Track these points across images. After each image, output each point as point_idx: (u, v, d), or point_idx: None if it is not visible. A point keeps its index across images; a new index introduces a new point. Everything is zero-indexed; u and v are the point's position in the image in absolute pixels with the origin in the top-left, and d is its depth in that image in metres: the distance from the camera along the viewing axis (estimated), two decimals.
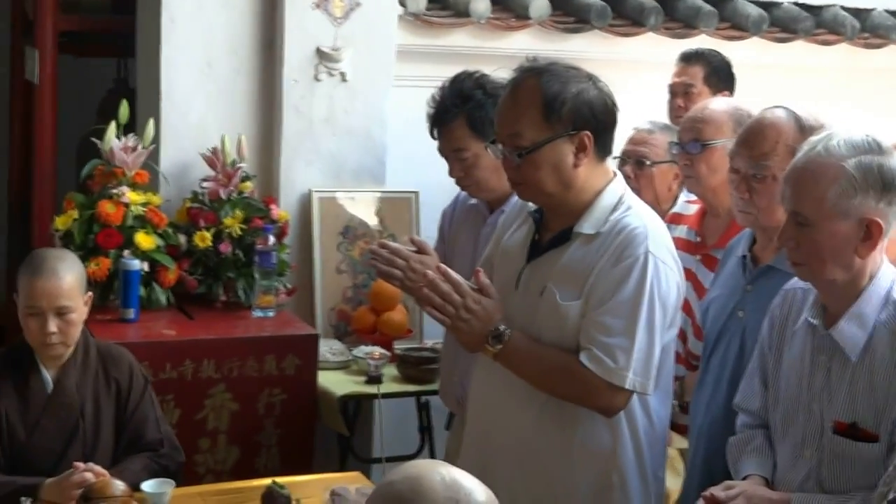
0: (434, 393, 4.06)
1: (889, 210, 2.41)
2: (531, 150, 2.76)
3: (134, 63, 4.88)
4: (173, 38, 4.37)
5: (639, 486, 2.85)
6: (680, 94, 4.66)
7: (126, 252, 4.04)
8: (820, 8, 5.73)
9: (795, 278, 2.64)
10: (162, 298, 4.13)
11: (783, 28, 5.59)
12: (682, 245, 3.52)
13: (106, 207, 4.07)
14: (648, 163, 3.94)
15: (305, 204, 4.54)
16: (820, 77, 5.59)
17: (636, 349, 2.72)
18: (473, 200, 3.64)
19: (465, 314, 2.79)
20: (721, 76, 4.66)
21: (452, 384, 3.56)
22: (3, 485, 3.03)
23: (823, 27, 5.69)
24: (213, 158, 4.31)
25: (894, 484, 1.78)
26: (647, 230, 2.77)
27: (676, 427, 3.38)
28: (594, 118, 2.78)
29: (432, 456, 4.44)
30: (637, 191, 3.12)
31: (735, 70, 4.75)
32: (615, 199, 2.84)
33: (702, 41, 5.20)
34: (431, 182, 4.40)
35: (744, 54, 5.18)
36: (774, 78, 5.33)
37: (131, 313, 3.99)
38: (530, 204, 2.95)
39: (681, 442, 3.38)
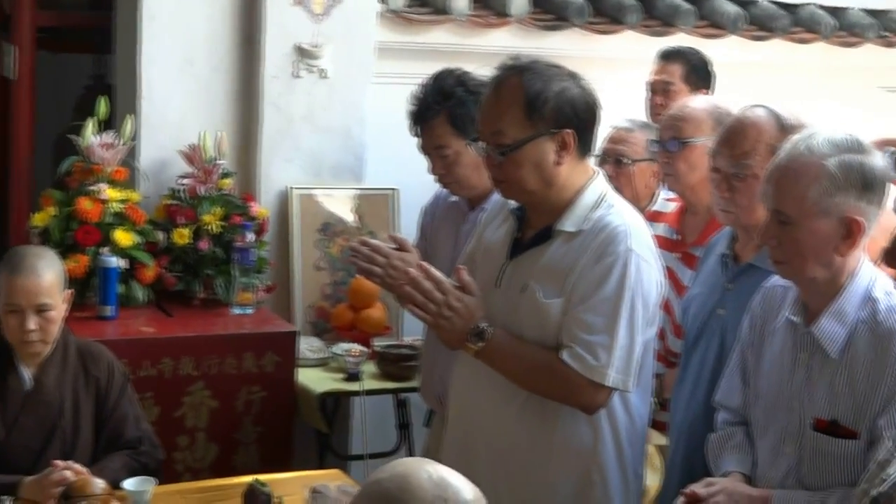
0: (413, 390, 4.07)
1: (869, 208, 2.42)
2: (513, 149, 2.77)
3: (112, 59, 4.86)
4: (152, 35, 4.35)
5: (619, 482, 2.87)
6: (659, 91, 4.67)
7: (104, 249, 4.02)
8: (797, 6, 5.76)
9: (776, 276, 2.66)
10: (140, 296, 4.12)
11: (760, 26, 5.61)
12: (662, 243, 3.52)
13: (84, 204, 4.05)
14: (628, 161, 3.96)
15: (284, 201, 4.53)
16: (797, 75, 5.61)
17: (617, 346, 2.73)
18: (454, 198, 3.64)
19: (446, 312, 2.80)
20: (700, 74, 4.67)
21: (433, 381, 3.56)
22: None
23: (800, 25, 5.72)
24: (192, 155, 4.29)
25: (876, 481, 1.79)
26: (628, 228, 2.79)
27: (655, 424, 3.39)
28: (576, 116, 2.79)
29: (410, 453, 4.45)
30: (616, 189, 3.12)
31: (713, 68, 4.77)
32: (596, 196, 2.85)
33: (680, 39, 5.22)
34: (411, 179, 4.40)
35: (722, 52, 5.19)
36: (752, 76, 5.35)
37: (110, 310, 3.97)
38: (511, 201, 2.95)
39: (659, 439, 3.39)
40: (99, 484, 2.88)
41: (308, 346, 4.24)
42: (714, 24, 5.49)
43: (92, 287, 4.01)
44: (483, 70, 3.28)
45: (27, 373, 3.20)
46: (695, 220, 3.67)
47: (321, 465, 4.12)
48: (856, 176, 2.40)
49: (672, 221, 3.77)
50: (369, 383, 4.08)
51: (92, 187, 4.10)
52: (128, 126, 4.21)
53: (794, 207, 2.42)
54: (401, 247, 3.33)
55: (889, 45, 5.93)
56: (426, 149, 3.55)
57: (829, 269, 2.45)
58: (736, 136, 2.95)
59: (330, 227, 4.58)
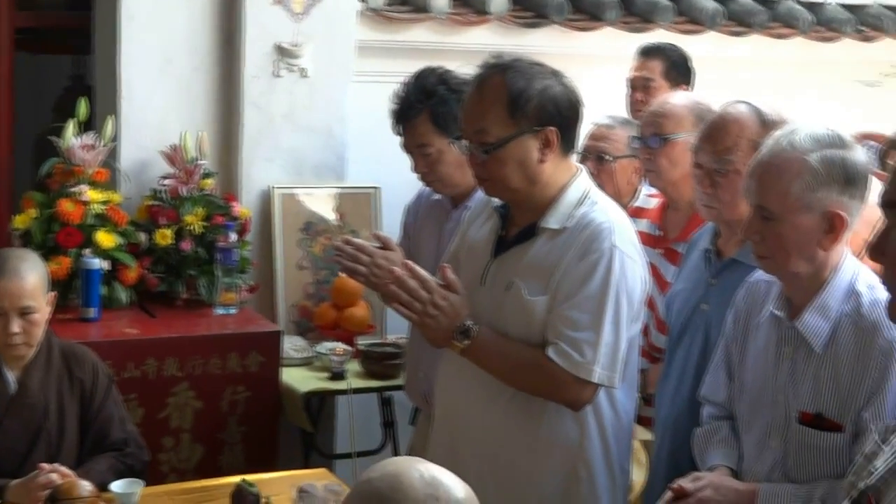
0: (398, 388, 4.07)
1: (852, 203, 2.44)
2: (497, 147, 2.78)
3: (91, 60, 4.84)
4: (131, 35, 4.34)
5: (605, 478, 2.88)
6: (639, 88, 4.69)
7: (86, 251, 4.01)
8: (774, 2, 5.79)
9: (759, 271, 2.67)
10: (123, 297, 4.11)
11: (739, 22, 5.64)
12: (644, 239, 3.53)
13: (66, 206, 4.04)
14: (609, 158, 3.97)
15: (266, 200, 4.53)
16: (775, 70, 5.64)
17: (603, 343, 2.74)
18: (437, 196, 3.64)
19: (432, 310, 2.81)
20: (680, 70, 4.69)
21: (418, 379, 3.57)
22: None
23: (778, 21, 5.74)
24: (174, 156, 4.29)
25: (863, 473, 1.80)
26: (612, 225, 2.80)
27: (639, 419, 3.40)
28: (559, 114, 2.80)
29: (396, 451, 4.45)
30: (599, 186, 3.13)
31: (692, 64, 4.79)
32: (580, 193, 2.86)
33: (659, 35, 5.24)
34: (392, 177, 4.41)
35: (700, 48, 5.20)
36: (731, 71, 5.37)
37: (93, 312, 3.97)
38: (495, 199, 2.96)
39: (644, 434, 3.41)
40: (86, 486, 2.87)
41: (292, 345, 4.24)
42: (693, 21, 5.51)
43: (74, 289, 4.00)
44: (465, 68, 3.30)
45: (11, 376, 3.19)
46: (677, 216, 3.69)
47: (306, 465, 4.12)
48: (838, 171, 2.42)
49: (654, 217, 3.78)
50: (353, 382, 4.08)
51: (73, 189, 4.09)
52: (108, 127, 4.20)
53: (777, 203, 2.44)
54: (385, 245, 3.34)
55: (866, 39, 5.96)
56: (409, 147, 3.55)
57: (812, 264, 2.47)
58: (718, 132, 2.96)
59: (312, 227, 4.58)
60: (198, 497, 3.13)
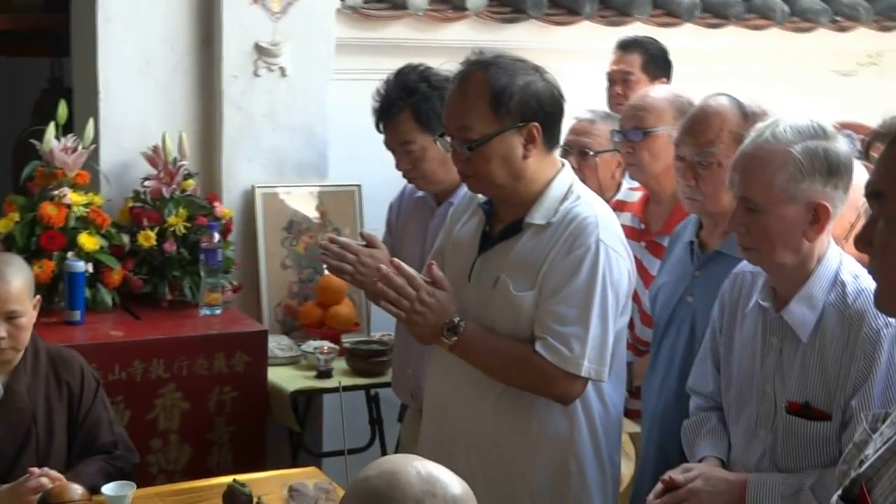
0: (385, 385, 4.08)
1: (835, 193, 2.46)
2: (481, 143, 2.79)
3: (69, 62, 4.82)
4: (109, 37, 4.32)
5: (596, 471, 2.90)
6: (618, 81, 4.70)
7: (70, 254, 4.00)
8: None
9: (744, 262, 2.69)
10: (107, 299, 4.10)
11: (715, 14, 5.66)
12: (627, 232, 3.53)
13: (48, 209, 4.03)
14: (592, 153, 3.99)
15: (248, 200, 4.52)
16: (752, 61, 5.67)
17: (590, 337, 2.76)
18: (420, 193, 3.65)
19: (419, 307, 2.82)
20: (658, 63, 4.71)
21: (405, 376, 3.58)
22: None
23: (754, 12, 5.77)
24: (155, 157, 4.28)
25: (854, 462, 1.81)
26: (597, 219, 2.81)
27: (627, 412, 3.42)
28: (542, 110, 2.82)
29: (383, 448, 4.46)
30: (582, 181, 3.15)
31: (670, 56, 4.81)
32: (564, 188, 2.87)
33: (636, 28, 5.25)
34: (374, 175, 4.42)
35: (678, 40, 5.23)
36: (708, 63, 5.40)
37: (77, 315, 3.95)
38: (480, 196, 2.97)
39: (631, 426, 3.43)
40: (77, 490, 2.86)
41: (277, 344, 4.24)
42: (669, 13, 5.53)
43: (58, 292, 3.99)
44: (447, 65, 3.31)
45: None
46: (659, 209, 3.71)
47: (294, 464, 4.13)
48: (821, 162, 2.44)
49: (636, 210, 3.80)
50: (341, 380, 4.07)
51: (55, 192, 4.07)
52: (88, 129, 4.18)
53: (762, 194, 2.46)
54: (370, 243, 3.35)
55: (841, 29, 6.00)
56: (391, 145, 3.56)
57: (797, 255, 2.49)
58: (699, 124, 2.98)
59: (295, 225, 4.58)
60: (189, 498, 3.13)
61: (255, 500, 2.93)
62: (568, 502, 2.88)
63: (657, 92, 3.76)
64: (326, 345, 4.19)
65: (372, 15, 4.87)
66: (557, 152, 2.96)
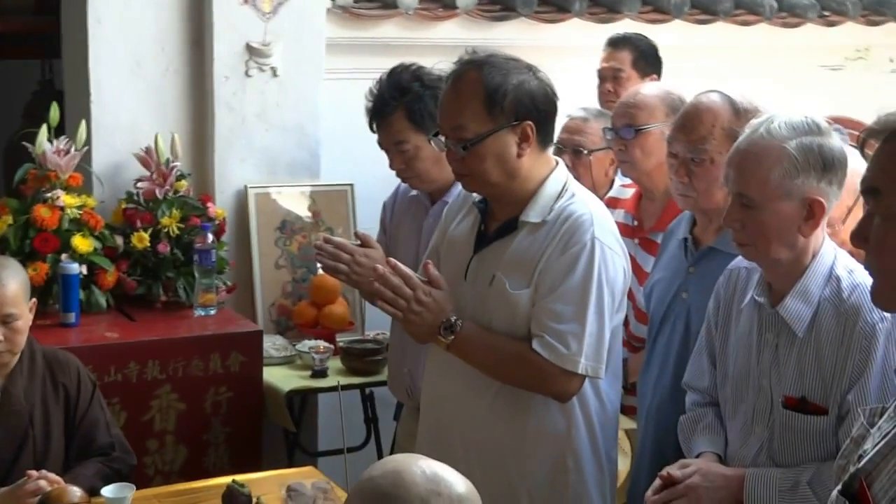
0: (380, 384, 4.09)
1: (830, 189, 2.48)
2: (475, 143, 2.80)
3: (59, 64, 4.82)
4: (100, 39, 4.32)
5: (593, 467, 2.91)
6: (609, 78, 4.71)
7: (63, 256, 4.00)
8: None
9: (739, 258, 2.71)
10: (102, 301, 4.10)
11: (704, 10, 5.68)
12: (620, 229, 3.52)
13: (41, 212, 4.02)
14: (585, 151, 4.00)
15: (241, 200, 4.52)
16: (741, 57, 5.69)
17: (587, 334, 2.77)
18: (414, 192, 3.66)
19: (416, 307, 2.83)
20: (649, 60, 4.72)
21: (401, 375, 3.58)
22: None
23: (742, 8, 5.79)
24: (147, 158, 4.27)
25: (853, 457, 1.83)
26: (592, 216, 2.83)
27: (622, 408, 3.43)
28: (535, 108, 2.83)
29: (379, 447, 4.47)
30: (575, 179, 3.16)
31: (660, 53, 4.82)
32: (559, 186, 2.88)
33: (626, 25, 5.27)
34: (366, 174, 4.44)
35: (667, 37, 5.23)
36: (697, 59, 5.42)
37: (72, 317, 3.95)
38: (474, 194, 2.98)
39: (627, 423, 3.44)
40: (76, 492, 2.87)
41: (272, 344, 4.24)
42: (658, 10, 5.54)
43: (52, 294, 3.98)
44: (440, 64, 3.33)
45: None
46: (652, 206, 3.72)
47: (290, 463, 4.15)
48: (815, 157, 2.46)
49: (629, 207, 3.81)
50: (335, 379, 4.08)
51: (48, 194, 4.07)
52: (81, 131, 4.18)
53: (757, 190, 2.47)
54: (364, 243, 3.36)
55: (829, 24, 6.02)
56: (385, 145, 3.56)
57: (793, 250, 2.51)
58: (692, 121, 2.99)
59: (288, 225, 4.58)
60: (188, 499, 3.13)
61: (254, 500, 2.93)
62: (566, 499, 2.89)
63: (648, 89, 3.77)
64: (321, 344, 4.20)
65: (362, 14, 4.88)
66: (551, 150, 2.97)
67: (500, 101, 2.78)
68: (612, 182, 4.04)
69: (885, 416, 1.85)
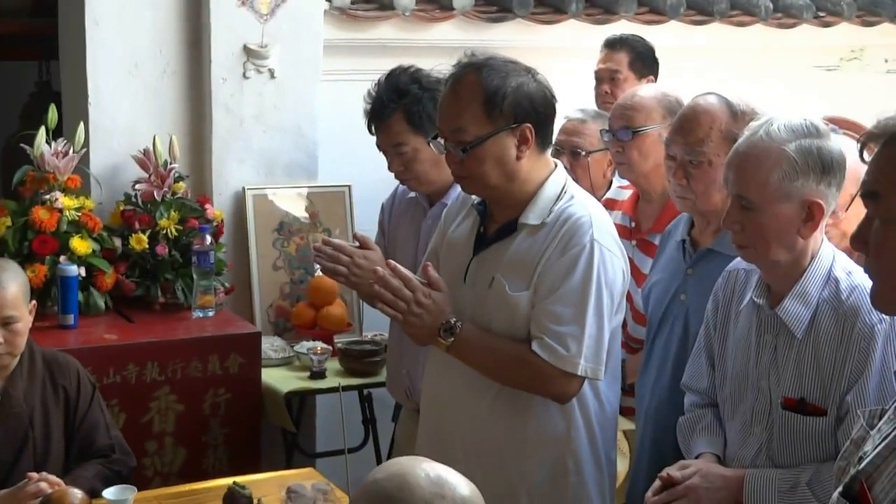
0: (378, 385, 4.10)
1: (829, 191, 2.49)
2: (474, 145, 2.81)
3: (56, 65, 4.82)
4: (98, 40, 4.32)
5: (593, 468, 2.93)
6: (606, 80, 4.73)
7: (62, 258, 4.01)
8: None
9: (737, 259, 2.72)
10: (100, 303, 4.10)
11: (700, 11, 5.70)
12: (618, 231, 3.57)
13: (40, 214, 4.03)
14: (583, 153, 4.02)
15: (239, 202, 4.53)
16: (737, 57, 5.71)
17: (586, 336, 2.78)
18: (412, 193, 3.66)
19: (416, 309, 2.84)
20: (645, 61, 4.74)
21: (400, 376, 3.59)
22: None
23: (738, 9, 5.81)
24: (145, 160, 4.28)
25: (853, 458, 1.84)
26: (591, 218, 2.84)
27: (621, 409, 3.45)
28: (534, 111, 2.84)
29: (377, 448, 4.48)
30: (574, 180, 3.18)
31: (657, 54, 4.84)
32: (558, 189, 2.90)
33: (622, 26, 5.28)
34: (364, 175, 4.44)
35: (663, 38, 5.25)
36: (693, 60, 5.44)
37: (71, 319, 3.96)
38: (473, 197, 2.99)
39: (625, 423, 3.45)
40: (77, 494, 2.87)
41: (270, 345, 4.25)
42: (654, 11, 5.56)
43: (51, 297, 3.99)
44: (438, 67, 3.34)
45: None
46: (649, 208, 3.74)
47: (289, 465, 4.15)
48: (814, 160, 2.47)
49: (627, 209, 3.83)
50: (333, 380, 4.09)
51: (46, 196, 4.07)
52: (80, 133, 4.19)
53: (757, 193, 2.49)
54: (363, 245, 3.36)
55: (824, 25, 6.04)
56: (383, 147, 3.57)
57: (792, 252, 2.52)
58: (689, 123, 3.01)
59: (286, 226, 4.59)
60: (188, 501, 3.14)
61: (254, 501, 2.94)
62: (565, 499, 2.91)
63: (645, 91, 3.79)
64: (319, 345, 4.20)
65: (359, 16, 4.89)
66: (550, 153, 2.98)
67: (500, 104, 2.79)
68: (611, 183, 4.05)
69: (884, 417, 1.86)
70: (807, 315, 2.52)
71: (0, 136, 5.43)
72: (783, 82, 5.67)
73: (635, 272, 3.59)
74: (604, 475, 2.96)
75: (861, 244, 1.86)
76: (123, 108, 4.39)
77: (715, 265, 2.90)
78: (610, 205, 3.85)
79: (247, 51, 4.48)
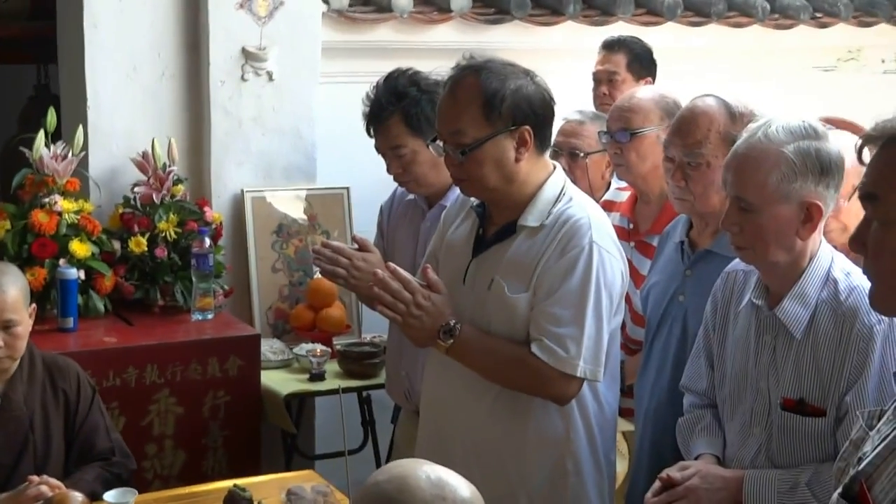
0: (377, 387, 4.11)
1: (827, 193, 2.50)
2: (473, 148, 2.81)
3: (55, 69, 4.82)
4: (97, 44, 4.33)
5: (592, 469, 2.93)
6: (604, 81, 4.74)
7: (61, 261, 4.01)
8: None
9: (736, 260, 2.73)
10: (100, 306, 4.10)
11: (697, 12, 5.71)
12: (616, 232, 3.58)
13: (39, 217, 4.03)
14: (582, 154, 4.02)
15: (238, 204, 4.53)
16: (734, 59, 5.72)
17: (586, 338, 2.79)
18: (411, 196, 3.67)
19: (415, 311, 2.84)
20: (643, 63, 4.75)
21: (399, 378, 3.60)
22: None
23: (735, 10, 5.82)
24: (144, 163, 4.29)
25: (852, 459, 1.85)
26: (590, 220, 2.84)
27: (620, 410, 3.46)
28: (533, 113, 2.84)
29: (376, 450, 4.48)
30: (572, 182, 3.19)
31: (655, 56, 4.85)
32: (557, 191, 2.90)
33: (619, 28, 5.29)
34: (362, 177, 4.45)
35: (660, 39, 5.27)
36: (691, 61, 5.45)
37: (70, 322, 3.96)
38: (472, 199, 3.00)
39: (624, 425, 3.45)
40: (77, 497, 2.88)
41: (269, 348, 4.25)
42: (652, 12, 5.57)
43: (51, 300, 3.99)
44: (437, 69, 3.34)
45: None
46: (648, 209, 3.74)
47: (288, 467, 4.16)
48: (813, 161, 2.48)
49: (625, 210, 3.83)
50: (333, 382, 4.10)
51: (46, 199, 4.08)
52: (79, 136, 4.19)
53: (755, 194, 2.49)
54: (362, 247, 3.36)
55: (821, 25, 6.05)
56: (382, 149, 3.58)
57: (790, 253, 2.53)
58: (688, 125, 3.01)
59: (284, 229, 4.59)
60: (188, 503, 3.15)
61: None
62: (565, 501, 2.91)
63: (643, 93, 3.79)
64: (319, 347, 4.21)
65: (357, 18, 4.90)
66: (549, 155, 2.99)
67: (498, 106, 2.80)
68: (609, 184, 4.06)
69: (883, 418, 1.87)
70: (805, 316, 2.53)
71: (0, 139, 5.43)
72: (781, 83, 5.68)
73: (634, 274, 3.59)
74: (603, 476, 2.97)
75: (859, 246, 1.87)
76: (122, 111, 4.39)
77: (713, 266, 2.91)
78: (608, 206, 3.85)
79: (245, 53, 4.48)
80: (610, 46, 4.78)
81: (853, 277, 2.51)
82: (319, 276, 3.63)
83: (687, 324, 3.02)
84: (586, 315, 2.78)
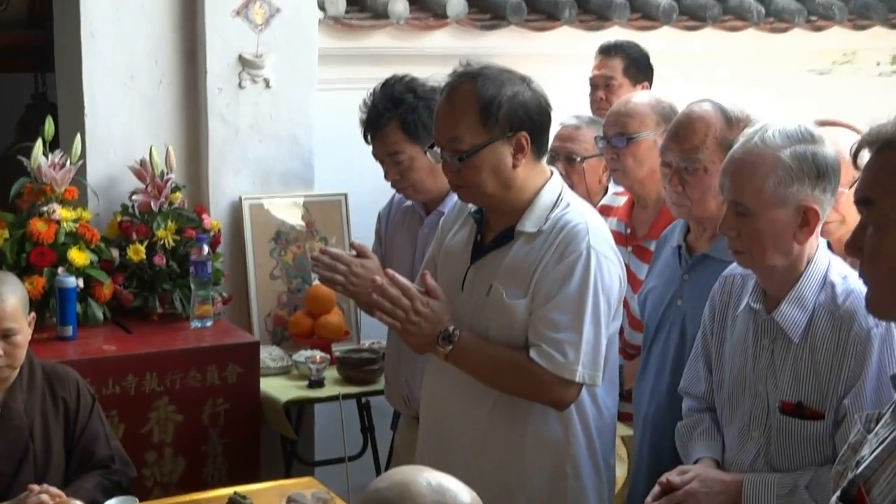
0: (377, 393, 4.11)
1: (823, 197, 2.51)
2: (471, 154, 2.82)
3: (52, 77, 4.83)
4: (94, 52, 4.33)
5: (592, 474, 2.94)
6: (601, 86, 4.74)
7: (60, 269, 4.01)
8: None
9: (733, 265, 2.74)
10: (98, 314, 4.10)
11: (692, 16, 5.72)
12: (613, 237, 3.59)
13: (37, 225, 4.04)
14: (578, 159, 4.03)
15: (236, 211, 4.54)
16: (730, 62, 5.73)
17: (584, 343, 2.79)
18: (409, 202, 3.68)
19: (414, 317, 2.85)
20: (640, 68, 4.75)
21: (398, 383, 3.60)
22: None
23: (730, 14, 5.83)
24: (142, 171, 4.29)
25: (850, 462, 1.86)
26: (587, 226, 2.85)
27: (619, 415, 3.46)
28: (530, 119, 2.85)
29: (376, 456, 4.49)
30: (569, 187, 3.20)
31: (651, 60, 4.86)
32: (554, 196, 2.91)
33: (615, 33, 5.30)
34: (360, 183, 4.46)
35: (656, 44, 5.27)
36: (687, 65, 5.46)
37: (69, 331, 3.96)
38: (470, 205, 3.01)
39: (623, 429, 3.46)
40: None
41: (268, 355, 4.25)
42: (647, 17, 5.58)
43: (49, 308, 3.99)
44: (435, 76, 3.35)
45: None
46: (645, 214, 3.75)
47: (288, 473, 4.16)
48: (809, 166, 2.49)
49: (622, 215, 3.84)
50: (332, 389, 4.10)
51: (44, 208, 4.08)
52: (76, 145, 4.19)
53: (752, 198, 2.50)
54: (360, 254, 3.38)
55: (816, 29, 6.06)
56: (379, 156, 3.59)
57: (788, 257, 2.54)
58: (685, 130, 3.02)
59: (282, 236, 4.60)
60: None
61: None
62: None
63: (639, 98, 3.81)
64: (318, 354, 4.21)
65: (354, 25, 4.91)
66: (545, 160, 3.00)
67: (495, 113, 2.81)
68: (607, 189, 4.07)
69: (881, 422, 1.88)
70: (803, 319, 2.54)
71: None
72: (776, 86, 5.69)
73: (631, 278, 3.59)
74: (602, 481, 2.97)
75: (855, 250, 1.88)
76: (120, 119, 4.40)
77: (711, 271, 2.92)
78: (605, 211, 3.86)
79: (242, 61, 4.49)
80: (607, 51, 4.79)
81: (850, 281, 2.52)
82: (318, 282, 3.64)
83: (685, 328, 3.03)
84: (584, 320, 2.79)
